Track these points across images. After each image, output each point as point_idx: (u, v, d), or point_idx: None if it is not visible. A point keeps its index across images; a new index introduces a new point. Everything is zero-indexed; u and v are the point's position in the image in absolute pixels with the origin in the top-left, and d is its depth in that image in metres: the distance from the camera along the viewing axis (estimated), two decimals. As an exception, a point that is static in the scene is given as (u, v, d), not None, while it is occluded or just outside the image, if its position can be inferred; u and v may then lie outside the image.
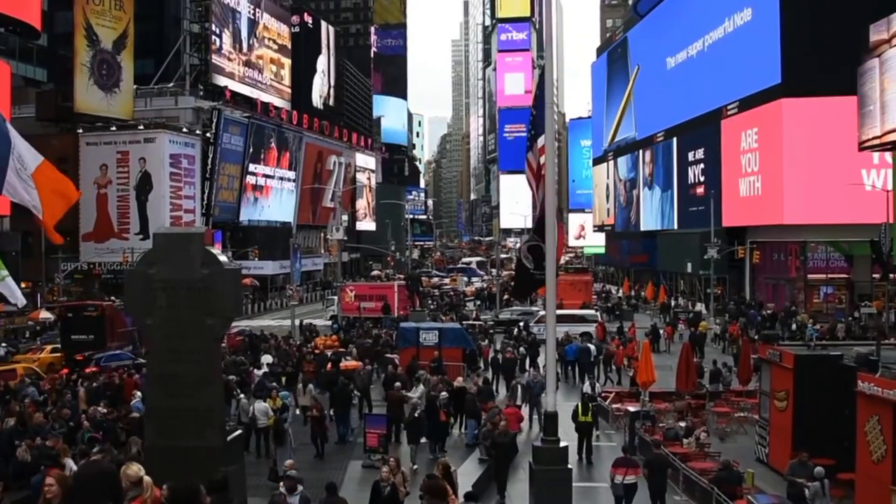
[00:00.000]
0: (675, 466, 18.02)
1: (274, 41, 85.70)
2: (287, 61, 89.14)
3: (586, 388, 25.02)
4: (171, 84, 70.36)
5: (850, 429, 16.52)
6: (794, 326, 40.73)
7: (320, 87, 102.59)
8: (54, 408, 20.43)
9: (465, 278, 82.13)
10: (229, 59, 75.60)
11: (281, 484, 13.35)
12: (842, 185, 42.92)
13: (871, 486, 15.36)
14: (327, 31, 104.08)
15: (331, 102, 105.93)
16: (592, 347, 32.76)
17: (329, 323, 46.88)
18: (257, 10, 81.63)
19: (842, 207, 44.08)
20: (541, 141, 16.23)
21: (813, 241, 47.93)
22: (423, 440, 20.60)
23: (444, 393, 22.41)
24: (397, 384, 23.43)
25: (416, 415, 20.80)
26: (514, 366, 30.64)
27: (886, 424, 14.98)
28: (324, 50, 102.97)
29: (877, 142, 36.11)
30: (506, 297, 59.78)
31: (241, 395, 22.11)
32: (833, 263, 48.17)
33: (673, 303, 55.42)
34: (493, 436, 18.19)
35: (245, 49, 78.81)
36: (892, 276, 41.75)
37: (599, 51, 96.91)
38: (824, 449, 16.66)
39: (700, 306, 52.06)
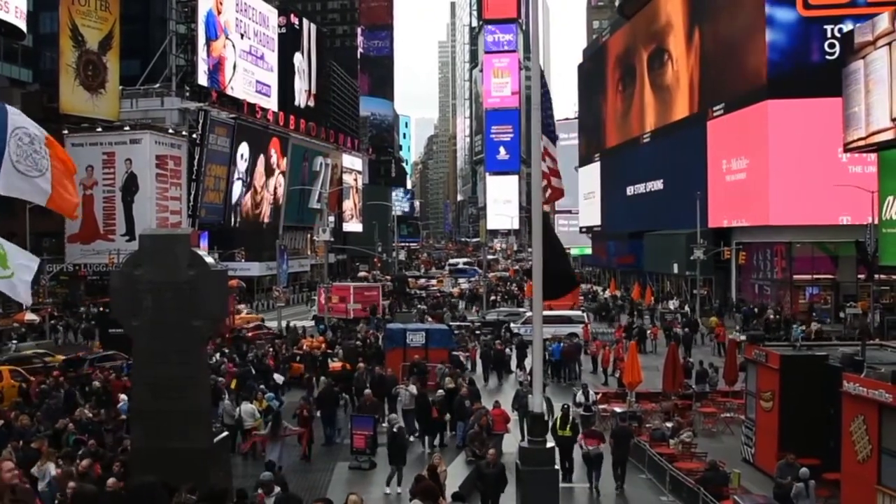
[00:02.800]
0: (637, 440, 19.73)
1: (260, 42, 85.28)
2: (273, 62, 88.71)
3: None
4: (157, 85, 69.99)
5: (835, 429, 16.62)
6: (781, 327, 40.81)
7: (300, 88, 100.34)
8: (39, 410, 20.30)
9: (453, 279, 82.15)
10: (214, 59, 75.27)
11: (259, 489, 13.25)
12: (827, 186, 43.12)
13: (857, 486, 15.45)
14: (308, 29, 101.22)
15: (310, 103, 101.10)
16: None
17: (313, 324, 46.81)
18: (243, 10, 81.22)
19: (827, 208, 44.32)
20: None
21: (798, 241, 48.14)
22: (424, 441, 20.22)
23: (440, 391, 22.39)
24: (367, 390, 23.46)
25: (394, 430, 18.61)
26: (506, 358, 31.65)
27: (871, 424, 15.07)
28: (304, 47, 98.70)
29: (862, 143, 36.38)
30: (492, 297, 59.62)
31: (226, 397, 22.06)
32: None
33: (661, 305, 55.47)
34: (481, 466, 16.54)
35: (231, 49, 78.42)
36: (877, 276, 42.04)
37: (586, 52, 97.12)
38: (810, 449, 16.74)
39: (686, 307, 52.13)
